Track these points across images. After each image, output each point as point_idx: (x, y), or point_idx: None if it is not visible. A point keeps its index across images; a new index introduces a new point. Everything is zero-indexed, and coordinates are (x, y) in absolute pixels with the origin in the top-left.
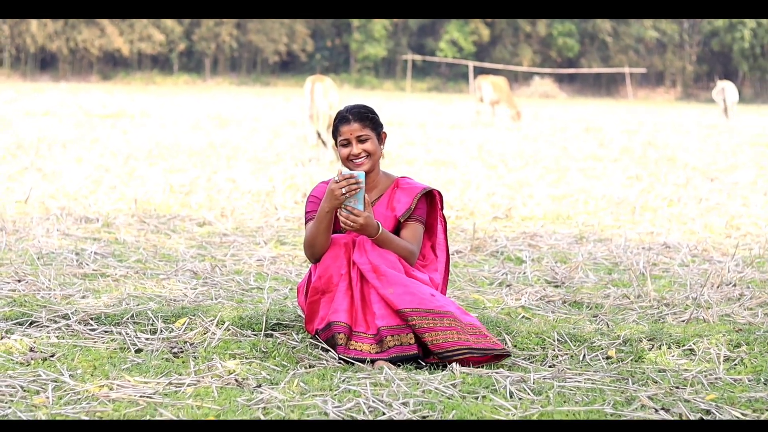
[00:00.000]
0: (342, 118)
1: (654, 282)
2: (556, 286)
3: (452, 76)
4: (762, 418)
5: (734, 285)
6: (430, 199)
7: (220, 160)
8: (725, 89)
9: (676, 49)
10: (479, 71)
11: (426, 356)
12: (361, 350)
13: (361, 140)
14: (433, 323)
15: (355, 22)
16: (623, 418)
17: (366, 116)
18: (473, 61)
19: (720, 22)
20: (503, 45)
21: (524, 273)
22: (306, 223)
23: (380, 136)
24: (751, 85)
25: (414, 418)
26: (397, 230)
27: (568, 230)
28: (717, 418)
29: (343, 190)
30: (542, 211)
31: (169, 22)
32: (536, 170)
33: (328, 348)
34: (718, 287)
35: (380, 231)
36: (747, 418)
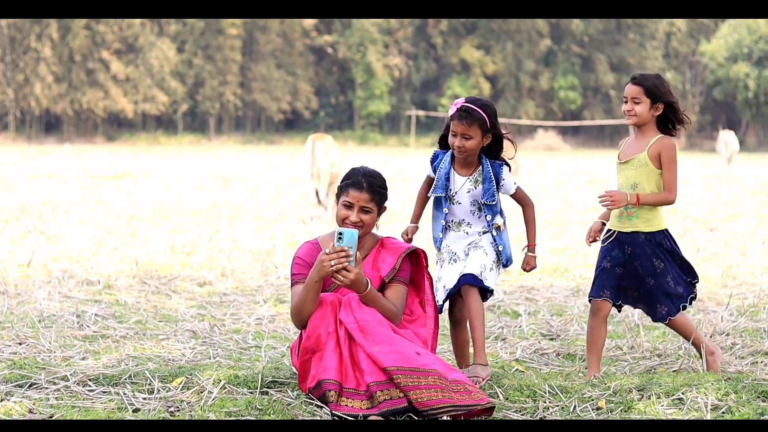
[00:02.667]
0: (356, 183)
1: (647, 333)
2: (551, 339)
3: None
4: None
5: (727, 334)
6: (415, 258)
7: (223, 219)
8: (726, 139)
9: (679, 98)
10: None
11: (415, 408)
12: (352, 406)
13: (363, 210)
14: (417, 381)
15: (358, 78)
16: (626, 419)
17: (378, 190)
18: None
19: (722, 72)
20: (505, 99)
21: (520, 326)
22: (292, 286)
23: (381, 211)
24: (755, 134)
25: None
26: (381, 289)
27: (566, 283)
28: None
29: (333, 263)
30: (541, 264)
31: (172, 83)
32: (537, 224)
33: (322, 405)
34: (710, 337)
35: (369, 288)
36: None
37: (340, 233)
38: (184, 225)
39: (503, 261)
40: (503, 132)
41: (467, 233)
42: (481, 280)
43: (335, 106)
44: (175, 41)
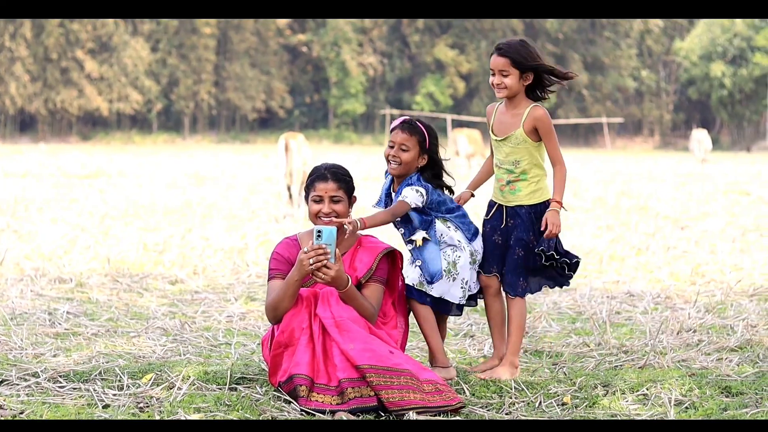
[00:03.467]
0: (320, 176)
1: (615, 330)
2: None
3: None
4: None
5: (694, 331)
6: (392, 259)
7: (195, 218)
8: (699, 138)
9: (654, 98)
10: (457, 124)
11: (386, 408)
12: (322, 402)
13: (333, 200)
14: (389, 381)
15: (333, 77)
16: (623, 418)
17: (343, 178)
18: (451, 114)
19: (697, 71)
20: (480, 98)
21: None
22: (269, 280)
23: (351, 201)
24: (728, 132)
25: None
26: (357, 288)
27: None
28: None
29: (311, 261)
30: None
31: (146, 82)
32: None
33: (291, 400)
34: (677, 333)
35: (349, 284)
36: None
37: (319, 231)
38: (157, 223)
39: (426, 277)
40: (441, 159)
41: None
42: (413, 289)
43: (310, 105)
44: (149, 40)
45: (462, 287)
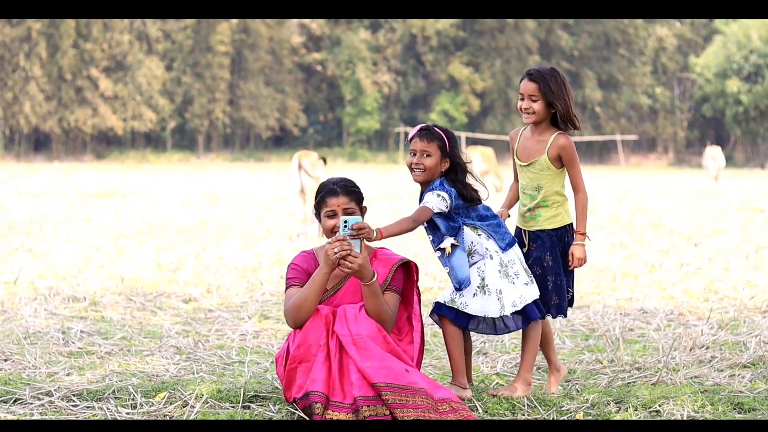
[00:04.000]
0: (330, 191)
1: (628, 347)
2: None
3: None
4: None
5: (707, 348)
6: (407, 270)
7: (210, 237)
8: (713, 155)
9: (668, 115)
10: (471, 142)
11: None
12: (337, 419)
13: (347, 213)
14: (405, 400)
15: (347, 95)
16: (624, 419)
17: (352, 190)
18: (465, 131)
19: (711, 87)
20: (494, 116)
21: (502, 341)
22: (287, 288)
23: (362, 210)
24: (743, 149)
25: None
26: None
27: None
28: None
29: (336, 250)
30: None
31: (161, 100)
32: None
33: (305, 417)
34: (690, 350)
35: (374, 278)
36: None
37: (345, 220)
38: (171, 242)
39: (454, 284)
40: (464, 161)
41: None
42: (443, 306)
43: (324, 123)
44: (164, 59)
45: (498, 298)
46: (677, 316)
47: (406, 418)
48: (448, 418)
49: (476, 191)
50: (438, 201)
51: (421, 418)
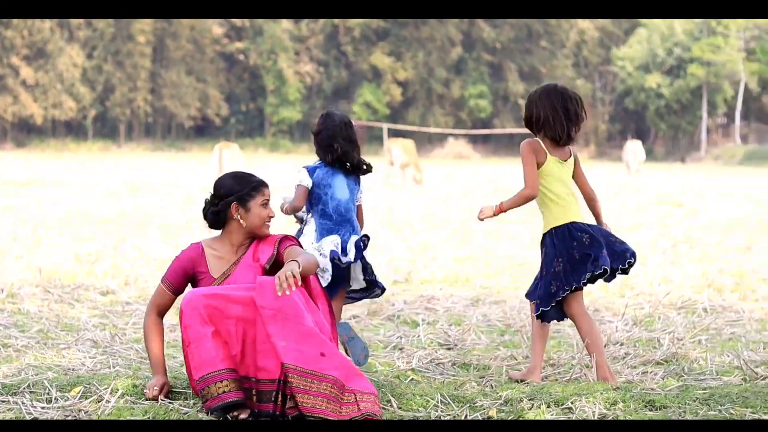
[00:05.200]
0: (262, 181)
1: None
2: (448, 349)
3: (367, 139)
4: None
5: (621, 344)
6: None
7: (129, 227)
8: (633, 149)
9: (589, 108)
10: (393, 133)
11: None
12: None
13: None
14: (308, 386)
15: (269, 85)
16: (622, 419)
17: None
18: (387, 123)
19: (633, 81)
20: (416, 107)
21: (418, 336)
22: (160, 283)
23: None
24: (663, 143)
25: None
26: (266, 273)
27: (466, 293)
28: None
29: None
30: (442, 273)
31: (82, 89)
32: (442, 233)
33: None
34: (604, 347)
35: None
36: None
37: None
38: (90, 233)
39: None
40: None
41: None
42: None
43: (246, 113)
44: (85, 47)
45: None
46: (593, 312)
47: (305, 405)
48: (348, 413)
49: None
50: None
51: (317, 407)
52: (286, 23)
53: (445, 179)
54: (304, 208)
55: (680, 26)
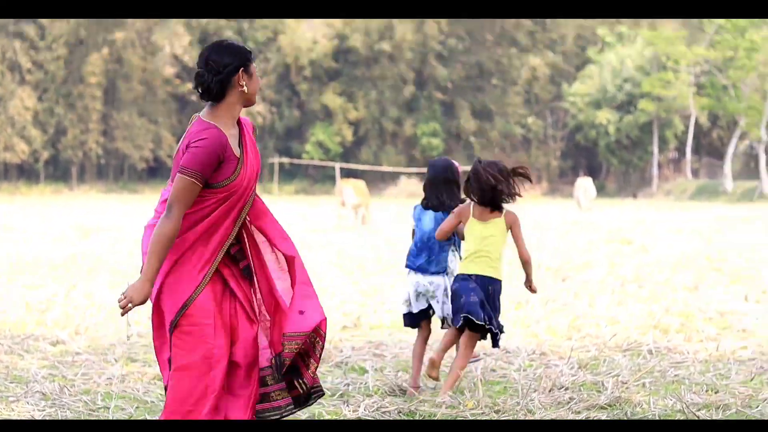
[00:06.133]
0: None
1: (489, 388)
2: (395, 396)
3: (320, 178)
4: None
5: (566, 389)
6: None
7: (81, 273)
8: (585, 186)
9: (541, 144)
10: (346, 173)
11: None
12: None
13: None
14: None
15: None
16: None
17: None
18: (340, 162)
19: (584, 117)
20: (368, 146)
21: (366, 383)
22: (188, 179)
23: None
24: (615, 179)
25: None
26: None
27: (414, 338)
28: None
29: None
30: (391, 318)
31: (33, 131)
32: (392, 276)
33: None
34: (549, 391)
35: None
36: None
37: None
38: (41, 280)
39: None
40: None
41: None
42: None
43: None
44: (36, 89)
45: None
46: (539, 355)
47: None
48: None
49: None
50: None
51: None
52: None
53: (397, 218)
54: None
55: (631, 62)
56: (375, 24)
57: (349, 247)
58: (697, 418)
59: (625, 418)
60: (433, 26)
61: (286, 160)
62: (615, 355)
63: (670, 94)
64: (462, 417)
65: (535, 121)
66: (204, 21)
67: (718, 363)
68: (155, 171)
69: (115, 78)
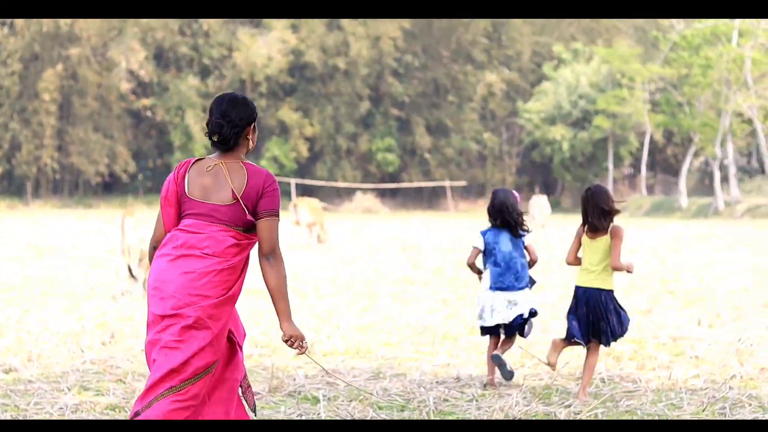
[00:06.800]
0: None
1: (442, 419)
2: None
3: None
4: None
5: (518, 420)
6: None
7: (34, 297)
8: (540, 203)
9: (497, 161)
10: (301, 189)
11: None
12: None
13: None
14: None
15: (177, 141)
16: (624, 418)
17: None
18: (295, 178)
19: (539, 133)
20: (323, 161)
21: (318, 414)
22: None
23: None
24: (570, 195)
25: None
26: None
27: (368, 364)
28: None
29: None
30: (345, 344)
31: None
32: (347, 297)
33: None
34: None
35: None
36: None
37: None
38: None
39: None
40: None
41: None
42: None
43: (153, 169)
44: None
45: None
46: (488, 387)
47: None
48: None
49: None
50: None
51: None
52: (192, 79)
53: (352, 236)
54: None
55: (586, 78)
56: (331, 40)
57: (303, 268)
58: None
59: None
60: (388, 42)
61: None
62: (568, 384)
63: (625, 111)
64: None
65: (491, 137)
66: (159, 36)
67: (671, 392)
68: (110, 186)
69: (69, 93)
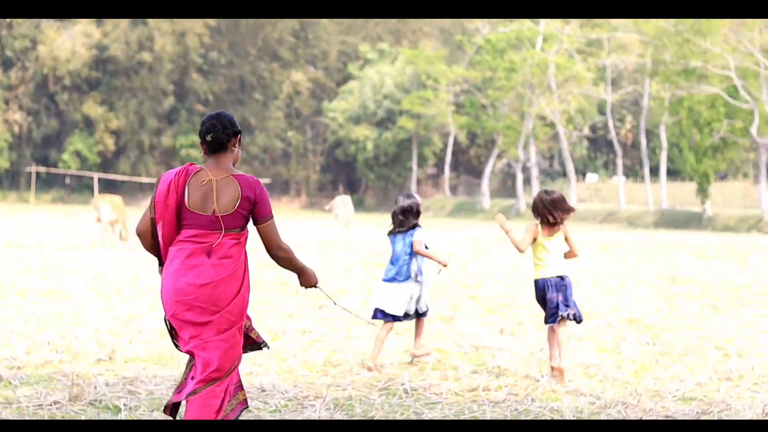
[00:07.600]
0: None
1: None
2: None
3: (78, 188)
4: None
5: None
6: None
7: None
8: (342, 201)
9: (301, 158)
10: (104, 183)
11: None
12: None
13: None
14: None
15: None
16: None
17: None
18: (98, 172)
19: (344, 132)
20: (127, 156)
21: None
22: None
23: None
24: (374, 194)
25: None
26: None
27: (170, 372)
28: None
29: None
30: (147, 350)
31: None
32: (148, 300)
33: None
34: None
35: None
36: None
37: None
38: None
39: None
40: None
41: None
42: None
43: None
44: None
45: None
46: (295, 394)
47: None
48: None
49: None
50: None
51: None
52: None
53: None
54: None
55: (391, 79)
56: (135, 35)
57: (105, 267)
58: None
59: None
60: (194, 38)
61: (43, 169)
62: (371, 395)
63: (430, 112)
64: None
65: (296, 135)
66: None
67: (473, 404)
68: None
69: None
